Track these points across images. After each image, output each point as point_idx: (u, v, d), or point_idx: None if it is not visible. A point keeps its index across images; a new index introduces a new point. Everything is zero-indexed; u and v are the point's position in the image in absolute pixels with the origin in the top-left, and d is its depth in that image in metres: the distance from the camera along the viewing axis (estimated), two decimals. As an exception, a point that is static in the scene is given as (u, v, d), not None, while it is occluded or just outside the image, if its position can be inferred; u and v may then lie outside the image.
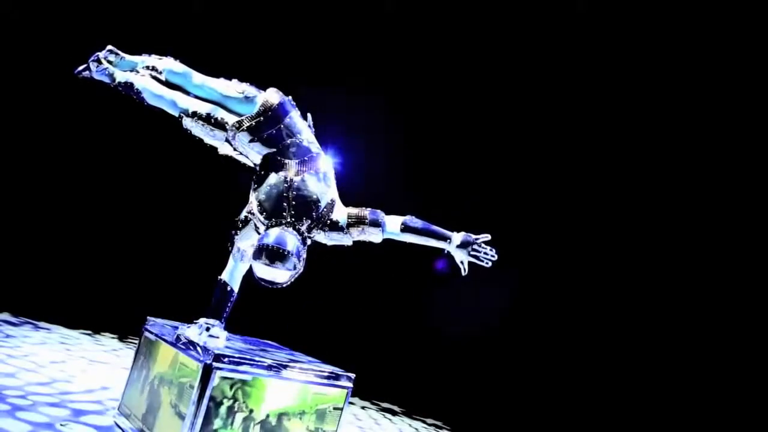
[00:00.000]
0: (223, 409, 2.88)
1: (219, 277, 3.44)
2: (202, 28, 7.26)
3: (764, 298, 6.79)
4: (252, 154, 3.37)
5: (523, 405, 7.41)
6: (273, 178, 3.21)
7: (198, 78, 3.51)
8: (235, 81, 3.51)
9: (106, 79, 3.55)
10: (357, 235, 3.31)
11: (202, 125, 3.41)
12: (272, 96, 3.39)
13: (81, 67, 3.57)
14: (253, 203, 3.22)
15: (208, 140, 3.50)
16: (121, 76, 3.53)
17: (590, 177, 7.71)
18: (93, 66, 3.54)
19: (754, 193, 6.94)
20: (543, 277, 7.81)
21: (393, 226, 3.33)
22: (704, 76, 7.06)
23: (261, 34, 7.53)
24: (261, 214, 3.17)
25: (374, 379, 5.93)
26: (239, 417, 2.94)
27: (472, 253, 3.33)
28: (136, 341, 5.44)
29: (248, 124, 3.30)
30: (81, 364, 4.47)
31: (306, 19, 7.62)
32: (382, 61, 7.73)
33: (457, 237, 3.35)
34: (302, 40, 7.59)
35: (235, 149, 3.46)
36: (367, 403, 5.87)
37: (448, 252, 3.39)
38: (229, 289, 3.40)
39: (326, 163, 3.36)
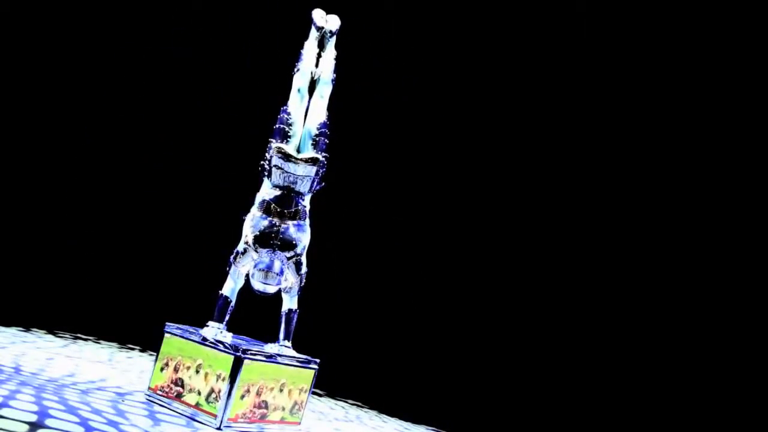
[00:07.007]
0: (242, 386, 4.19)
1: (220, 291, 4.72)
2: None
3: (762, 297, 7.06)
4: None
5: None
6: (266, 221, 4.56)
7: None
8: None
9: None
10: (295, 281, 4.66)
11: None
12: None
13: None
14: (249, 237, 4.56)
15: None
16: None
17: (587, 176, 8.01)
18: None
19: (753, 192, 7.19)
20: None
21: (287, 303, 4.74)
22: (703, 77, 7.37)
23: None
24: (254, 245, 4.52)
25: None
26: (251, 390, 4.26)
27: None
28: (133, 348, 6.56)
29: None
30: (93, 366, 5.45)
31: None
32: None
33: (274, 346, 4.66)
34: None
35: None
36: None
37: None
38: (229, 300, 4.70)
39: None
